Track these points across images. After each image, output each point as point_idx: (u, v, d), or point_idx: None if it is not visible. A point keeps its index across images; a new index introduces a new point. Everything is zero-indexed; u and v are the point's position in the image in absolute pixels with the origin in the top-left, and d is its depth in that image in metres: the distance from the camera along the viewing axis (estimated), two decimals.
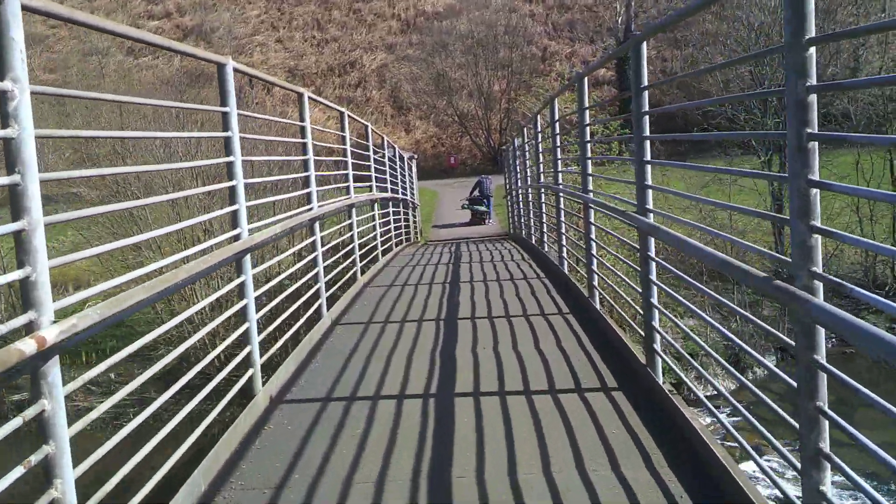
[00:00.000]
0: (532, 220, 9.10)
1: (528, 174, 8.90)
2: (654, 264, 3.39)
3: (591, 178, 4.94)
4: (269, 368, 3.75)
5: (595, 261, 5.00)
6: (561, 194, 6.39)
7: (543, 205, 7.80)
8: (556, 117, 6.32)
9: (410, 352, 4.22)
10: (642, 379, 3.47)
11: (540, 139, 8.02)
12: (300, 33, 41.62)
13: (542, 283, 6.35)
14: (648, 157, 3.36)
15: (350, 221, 6.61)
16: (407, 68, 37.23)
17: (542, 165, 7.67)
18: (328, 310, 5.15)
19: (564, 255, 6.41)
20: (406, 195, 11.91)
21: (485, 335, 4.52)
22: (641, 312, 3.57)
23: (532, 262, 7.64)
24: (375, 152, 8.29)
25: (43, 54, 36.69)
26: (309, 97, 5.01)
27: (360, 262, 6.72)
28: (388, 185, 8.89)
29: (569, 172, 7.16)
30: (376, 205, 8.08)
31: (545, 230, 7.98)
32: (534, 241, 8.74)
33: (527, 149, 9.27)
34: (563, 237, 6.47)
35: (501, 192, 20.34)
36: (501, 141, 32.27)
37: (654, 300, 3.40)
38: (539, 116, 8.22)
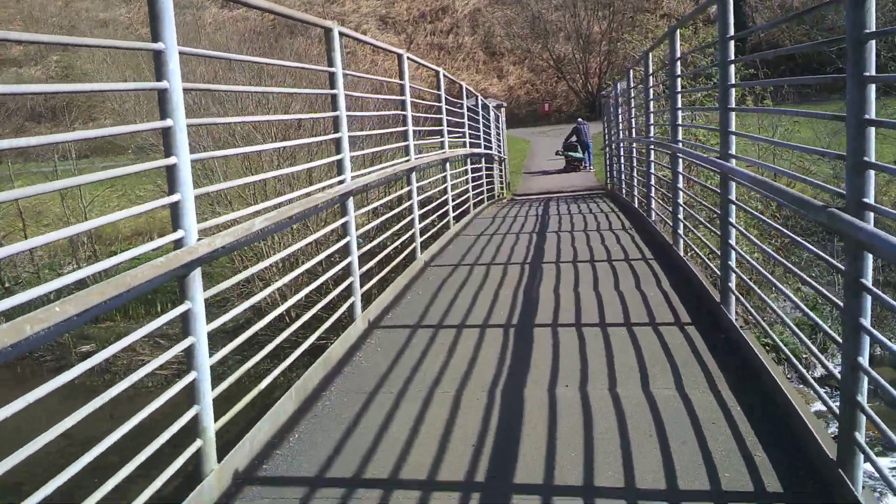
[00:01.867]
0: (634, 180, 8.28)
1: (634, 125, 8.20)
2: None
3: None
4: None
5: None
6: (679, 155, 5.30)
7: (653, 163, 6.74)
8: (678, 55, 5.07)
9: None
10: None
11: (651, 83, 6.79)
12: None
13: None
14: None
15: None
16: (501, 12, 36.82)
17: (651, 116, 6.79)
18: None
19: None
20: (491, 149, 11.87)
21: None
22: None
23: (636, 237, 6.56)
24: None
25: (140, 9, 38.95)
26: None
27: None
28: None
29: (687, 127, 6.98)
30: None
31: (652, 194, 6.83)
32: (636, 204, 8.07)
33: (632, 95, 8.53)
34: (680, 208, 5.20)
35: (599, 142, 20.18)
36: (600, 86, 31.56)
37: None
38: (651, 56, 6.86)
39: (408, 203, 5.60)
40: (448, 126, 7.20)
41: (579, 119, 18.86)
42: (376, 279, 4.47)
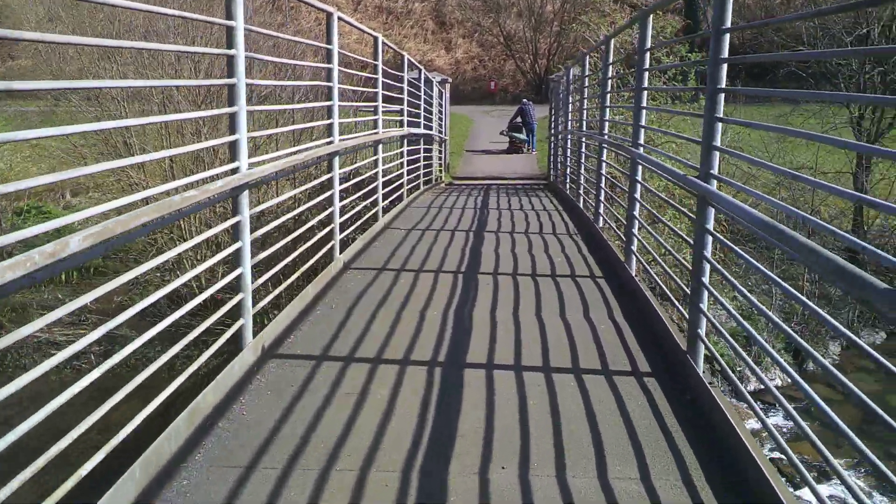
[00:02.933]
0: (581, 178, 7.67)
1: (586, 117, 7.69)
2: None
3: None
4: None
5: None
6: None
7: (604, 163, 6.15)
8: (647, 45, 4.59)
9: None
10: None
11: (610, 73, 6.11)
12: None
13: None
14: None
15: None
16: None
17: (608, 111, 6.05)
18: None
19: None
20: (432, 129, 10.94)
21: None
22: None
23: (583, 247, 5.85)
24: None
25: None
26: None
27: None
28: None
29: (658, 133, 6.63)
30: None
31: (602, 198, 6.26)
32: (581, 204, 7.58)
33: (587, 84, 7.73)
34: (636, 221, 4.73)
35: (544, 126, 19.72)
36: (549, 68, 31.10)
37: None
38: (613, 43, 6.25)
39: (328, 193, 4.82)
40: (385, 102, 6.47)
41: (525, 100, 18.54)
42: (273, 295, 3.72)
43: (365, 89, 6.58)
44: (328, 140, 4.68)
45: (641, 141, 4.62)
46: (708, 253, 3.06)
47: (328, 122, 4.70)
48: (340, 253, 4.90)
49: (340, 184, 4.90)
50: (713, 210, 3.03)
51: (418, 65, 8.84)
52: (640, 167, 4.69)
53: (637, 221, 4.72)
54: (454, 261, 5.21)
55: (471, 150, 18.49)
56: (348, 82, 5.60)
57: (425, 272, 4.84)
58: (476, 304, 4.10)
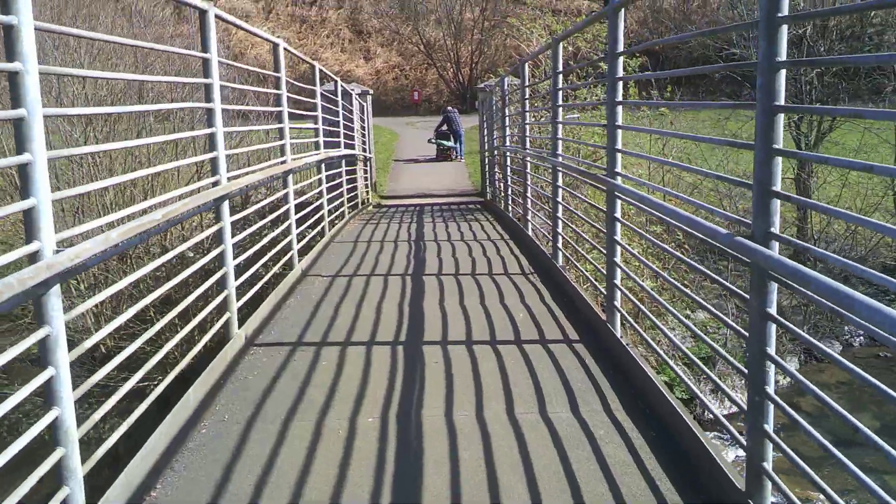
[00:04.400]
0: (528, 201, 7.20)
1: (527, 133, 7.27)
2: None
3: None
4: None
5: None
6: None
7: (560, 189, 5.68)
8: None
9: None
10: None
11: (559, 84, 5.61)
12: None
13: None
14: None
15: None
16: None
17: (559, 129, 5.61)
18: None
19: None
20: (354, 147, 10.53)
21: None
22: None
23: (546, 295, 5.14)
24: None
25: None
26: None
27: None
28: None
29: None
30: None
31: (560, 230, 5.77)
32: (529, 231, 7.08)
33: (526, 96, 7.18)
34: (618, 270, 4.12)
35: (472, 136, 20.70)
36: (472, 76, 32.34)
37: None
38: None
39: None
40: (295, 122, 6.45)
41: (449, 108, 19.57)
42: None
43: (265, 109, 6.54)
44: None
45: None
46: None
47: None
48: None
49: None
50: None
51: (333, 76, 8.40)
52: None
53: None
54: (390, 325, 4.45)
55: (398, 159, 19.23)
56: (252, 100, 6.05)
57: (353, 345, 4.09)
58: (423, 404, 3.29)
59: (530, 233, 7.17)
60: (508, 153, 8.85)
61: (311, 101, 7.10)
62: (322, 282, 5.64)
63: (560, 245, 5.68)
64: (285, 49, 5.45)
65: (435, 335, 4.25)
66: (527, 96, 7.17)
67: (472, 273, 5.93)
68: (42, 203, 2.02)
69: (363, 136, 12.82)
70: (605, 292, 4.07)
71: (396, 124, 27.22)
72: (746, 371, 2.28)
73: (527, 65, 7.25)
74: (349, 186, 9.77)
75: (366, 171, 12.75)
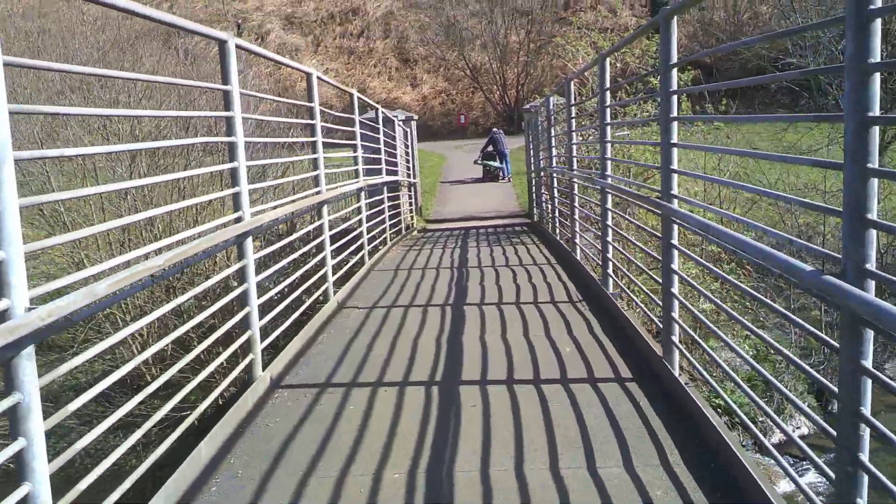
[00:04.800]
0: (576, 225, 6.85)
1: (576, 153, 6.85)
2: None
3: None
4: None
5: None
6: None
7: (609, 212, 5.27)
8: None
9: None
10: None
11: (608, 102, 5.23)
12: None
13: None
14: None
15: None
16: (415, 16, 36.98)
17: (609, 148, 5.19)
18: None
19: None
20: (396, 173, 10.30)
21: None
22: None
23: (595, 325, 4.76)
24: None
25: None
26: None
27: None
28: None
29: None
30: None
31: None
32: (587, 267, 6.38)
33: (573, 115, 6.90)
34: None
35: (518, 156, 20.41)
36: (518, 98, 32.12)
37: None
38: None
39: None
40: (332, 151, 6.33)
41: (495, 129, 19.80)
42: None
43: (299, 139, 6.54)
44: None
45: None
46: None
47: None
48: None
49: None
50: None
51: (373, 103, 8.31)
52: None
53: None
54: (426, 363, 4.12)
55: (445, 181, 19.40)
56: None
57: (386, 385, 3.78)
58: (457, 456, 2.93)
59: (578, 256, 6.79)
60: (555, 174, 8.50)
61: (351, 129, 6.92)
62: (358, 314, 5.36)
63: (610, 271, 5.30)
64: (319, 78, 5.26)
65: (473, 373, 3.91)
66: (573, 115, 6.84)
67: (517, 301, 5.58)
68: (13, 256, 1.80)
69: (407, 161, 12.66)
70: (662, 325, 3.68)
71: (444, 148, 27.13)
72: (835, 433, 1.89)
73: (573, 83, 6.92)
74: (392, 213, 9.55)
75: (410, 196, 12.57)
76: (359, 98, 7.00)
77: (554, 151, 8.70)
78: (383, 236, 8.83)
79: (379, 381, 3.86)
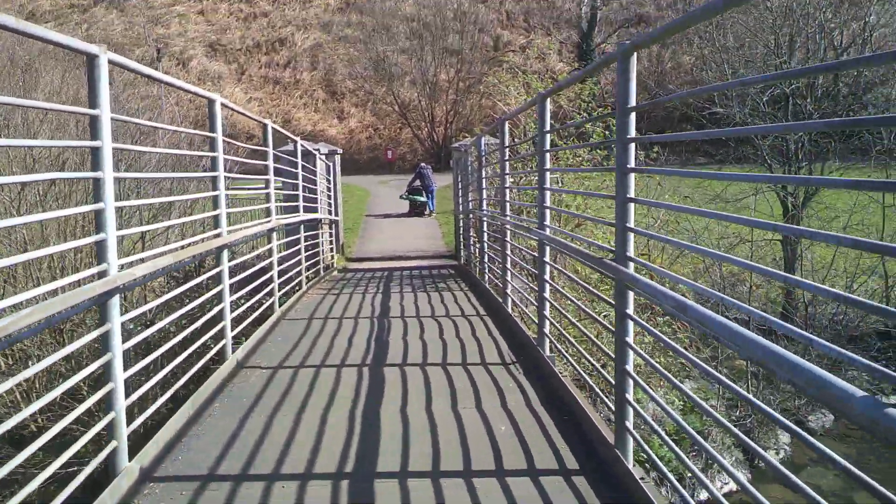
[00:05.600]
0: (509, 277, 6.29)
1: (504, 197, 6.31)
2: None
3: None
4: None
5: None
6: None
7: (547, 266, 4.83)
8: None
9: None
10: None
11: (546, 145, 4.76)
12: (226, 5, 40.45)
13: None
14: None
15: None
16: (343, 49, 36.58)
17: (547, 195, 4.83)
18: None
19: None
20: (316, 210, 9.67)
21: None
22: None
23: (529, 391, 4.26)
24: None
25: None
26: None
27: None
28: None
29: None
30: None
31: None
32: (521, 324, 5.78)
33: (506, 157, 6.31)
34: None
35: (443, 192, 20.00)
36: (447, 135, 31.95)
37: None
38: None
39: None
40: (240, 187, 5.88)
41: (422, 164, 19.62)
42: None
43: (196, 175, 5.95)
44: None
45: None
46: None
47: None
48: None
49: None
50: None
51: (290, 135, 7.63)
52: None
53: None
54: (335, 447, 3.42)
55: (371, 214, 19.05)
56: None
57: (283, 479, 3.08)
58: None
59: (509, 308, 6.25)
60: (485, 218, 7.99)
61: (264, 162, 6.21)
62: (260, 377, 4.62)
63: (547, 330, 4.77)
64: (224, 105, 4.58)
65: (392, 462, 3.25)
66: (506, 157, 6.36)
67: (443, 362, 4.93)
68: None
69: (329, 197, 11.94)
70: (614, 408, 3.15)
71: (369, 183, 26.51)
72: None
73: (506, 123, 6.45)
74: (309, 253, 8.78)
75: (331, 235, 11.82)
76: (273, 129, 6.30)
77: (485, 194, 8.21)
78: (299, 279, 8.05)
79: (275, 472, 3.16)
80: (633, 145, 3.02)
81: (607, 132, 10.38)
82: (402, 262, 12.52)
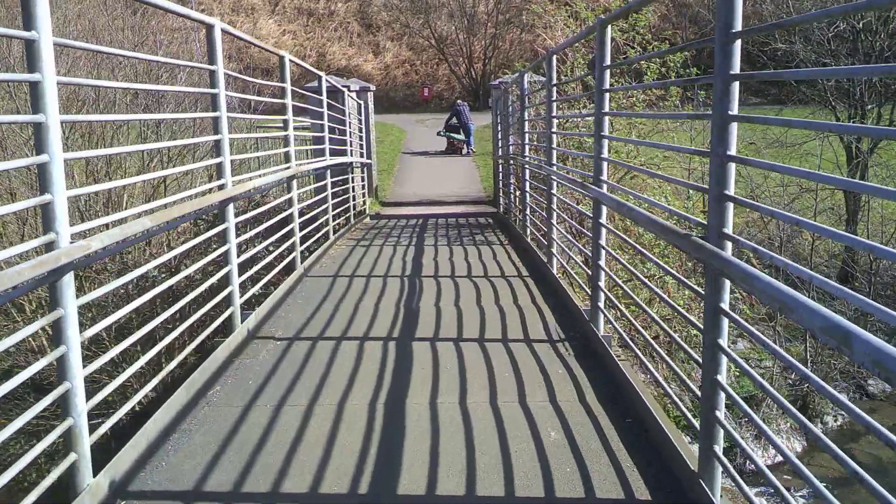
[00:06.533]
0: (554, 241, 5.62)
1: (551, 145, 5.56)
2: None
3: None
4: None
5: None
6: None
7: (603, 229, 4.06)
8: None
9: None
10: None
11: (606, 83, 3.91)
12: None
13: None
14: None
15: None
16: None
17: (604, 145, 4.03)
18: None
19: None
20: (345, 153, 8.92)
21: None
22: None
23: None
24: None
25: None
26: (224, 30, 3.91)
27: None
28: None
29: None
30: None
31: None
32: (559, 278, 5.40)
33: (553, 97, 5.52)
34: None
35: (481, 133, 19.08)
36: (485, 72, 30.66)
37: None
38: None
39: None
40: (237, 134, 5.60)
41: (458, 101, 19.00)
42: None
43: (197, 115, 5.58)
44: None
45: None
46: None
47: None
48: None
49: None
50: (604, 207, 2.39)
51: (315, 70, 6.85)
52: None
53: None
54: (352, 447, 2.90)
55: (407, 151, 18.73)
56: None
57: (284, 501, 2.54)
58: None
59: (555, 270, 5.56)
60: (528, 167, 7.20)
61: (281, 101, 5.50)
62: (271, 351, 4.04)
63: (601, 304, 4.05)
64: (224, 30, 3.85)
65: (417, 482, 2.60)
66: (554, 98, 5.55)
67: (480, 338, 4.28)
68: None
69: (361, 139, 11.20)
70: (699, 426, 2.48)
71: (406, 122, 25.48)
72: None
73: (554, 57, 5.60)
74: (337, 200, 8.12)
75: (363, 179, 11.13)
76: (293, 62, 5.57)
77: (527, 138, 7.41)
78: (325, 229, 7.44)
79: (275, 490, 2.58)
80: (736, 84, 2.27)
81: (663, 69, 9.36)
82: (438, 209, 11.86)
